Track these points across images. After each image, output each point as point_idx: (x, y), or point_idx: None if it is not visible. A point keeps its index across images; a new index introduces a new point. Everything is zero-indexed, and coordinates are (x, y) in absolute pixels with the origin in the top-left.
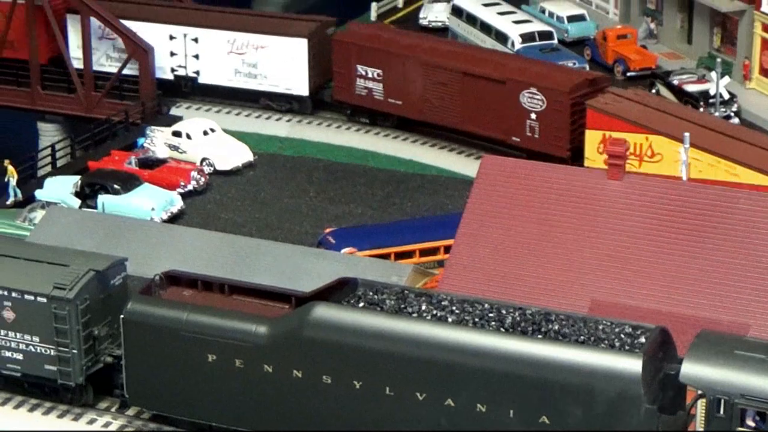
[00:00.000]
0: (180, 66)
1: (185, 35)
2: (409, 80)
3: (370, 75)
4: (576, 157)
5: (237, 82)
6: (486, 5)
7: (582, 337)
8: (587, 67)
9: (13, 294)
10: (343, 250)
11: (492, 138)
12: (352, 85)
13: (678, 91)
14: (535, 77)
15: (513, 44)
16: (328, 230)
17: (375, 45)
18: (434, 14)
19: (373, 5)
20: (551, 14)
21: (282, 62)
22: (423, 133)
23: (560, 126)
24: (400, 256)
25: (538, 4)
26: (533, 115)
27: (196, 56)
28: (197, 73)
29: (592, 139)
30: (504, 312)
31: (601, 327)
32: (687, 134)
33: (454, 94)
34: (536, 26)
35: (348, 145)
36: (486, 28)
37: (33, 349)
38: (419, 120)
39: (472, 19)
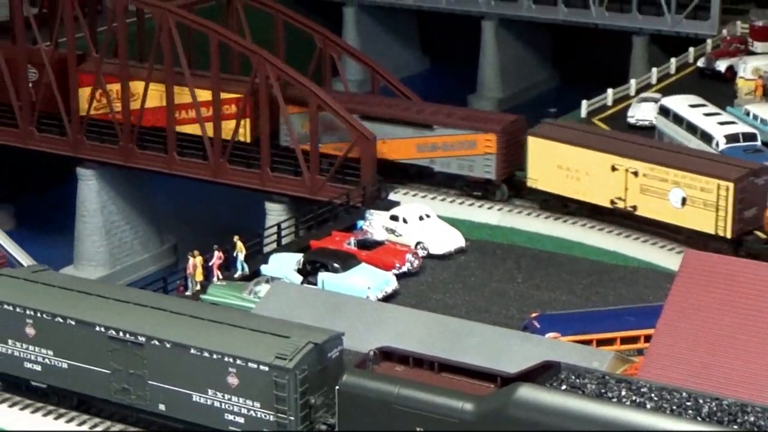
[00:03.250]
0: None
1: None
2: None
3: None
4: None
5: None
6: (692, 106)
7: None
8: None
9: (238, 361)
10: (547, 335)
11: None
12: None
13: None
14: (35, 56)
15: (717, 144)
16: (533, 315)
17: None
18: (642, 113)
19: (584, 103)
20: (755, 116)
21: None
22: (625, 226)
23: (48, 91)
24: (601, 342)
25: (743, 107)
26: (30, 84)
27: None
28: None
29: (84, 94)
30: (701, 401)
31: None
32: None
33: None
34: (740, 128)
35: (555, 235)
36: (692, 128)
37: (254, 414)
38: None
39: (678, 119)
